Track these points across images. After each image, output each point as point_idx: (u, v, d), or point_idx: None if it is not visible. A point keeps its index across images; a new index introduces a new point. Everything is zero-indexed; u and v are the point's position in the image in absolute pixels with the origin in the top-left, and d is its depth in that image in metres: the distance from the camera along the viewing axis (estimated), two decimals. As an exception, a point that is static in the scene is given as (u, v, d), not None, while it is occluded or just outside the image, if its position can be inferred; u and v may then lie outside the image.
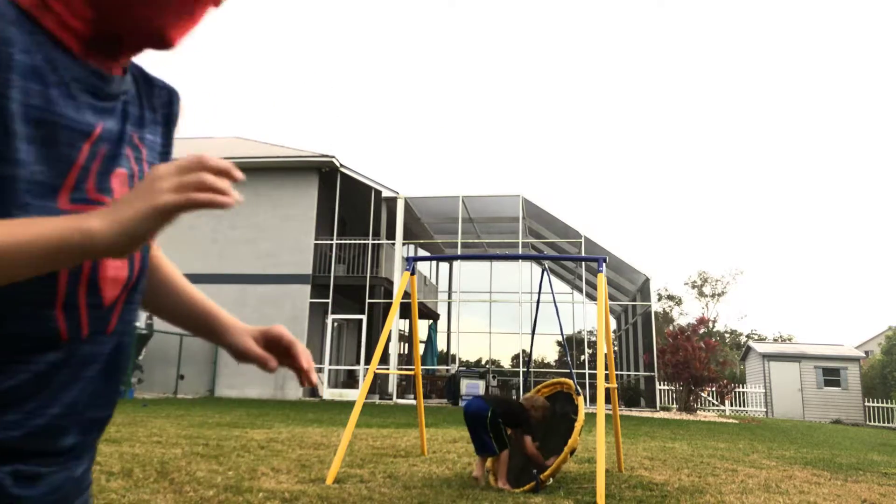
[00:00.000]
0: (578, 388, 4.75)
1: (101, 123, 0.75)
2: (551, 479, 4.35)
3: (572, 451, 4.35)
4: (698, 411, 17.89)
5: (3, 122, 0.64)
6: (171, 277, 0.97)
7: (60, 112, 0.69)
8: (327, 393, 16.29)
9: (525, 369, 17.52)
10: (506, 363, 40.03)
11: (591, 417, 8.81)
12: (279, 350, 0.93)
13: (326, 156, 17.08)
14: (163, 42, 0.78)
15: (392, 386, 16.65)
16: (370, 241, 17.50)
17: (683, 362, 16.84)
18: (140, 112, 0.83)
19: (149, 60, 0.91)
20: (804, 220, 76.49)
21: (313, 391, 16.45)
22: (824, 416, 22.48)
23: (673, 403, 19.33)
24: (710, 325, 42.97)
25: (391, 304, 13.00)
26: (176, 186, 0.62)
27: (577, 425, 4.36)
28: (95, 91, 0.75)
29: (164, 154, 0.88)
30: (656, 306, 31.00)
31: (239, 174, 0.66)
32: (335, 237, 17.37)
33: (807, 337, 56.45)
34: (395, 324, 17.34)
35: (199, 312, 0.96)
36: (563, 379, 5.08)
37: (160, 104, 0.88)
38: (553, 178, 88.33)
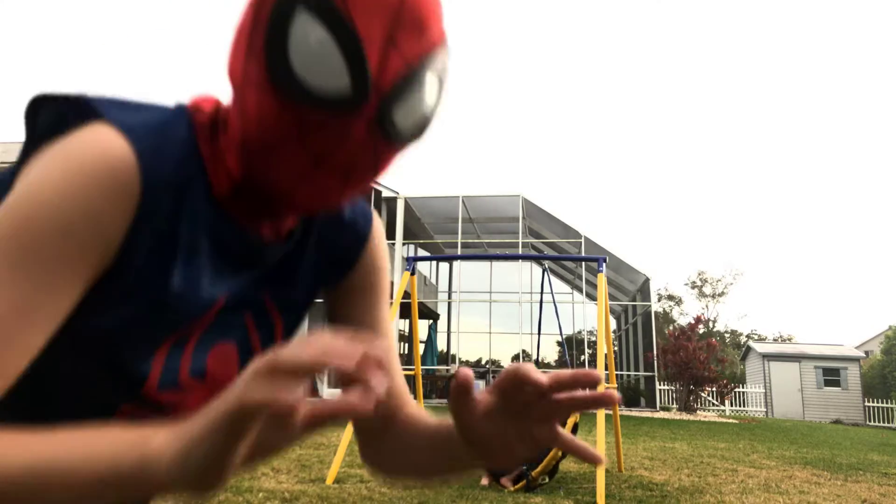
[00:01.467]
0: None
1: (226, 293, 0.65)
2: (546, 479, 4.34)
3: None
4: (698, 411, 17.88)
5: (139, 286, 0.58)
6: (421, 431, 0.71)
7: (176, 277, 0.60)
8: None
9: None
10: (506, 363, 39.97)
11: (591, 417, 8.81)
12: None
13: (326, 156, 17.07)
14: (293, 207, 0.63)
15: (392, 386, 16.64)
16: (370, 241, 17.49)
17: (685, 362, 16.83)
18: (291, 267, 0.70)
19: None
20: (804, 221, 76.53)
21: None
22: (824, 416, 22.47)
23: (673, 403, 19.32)
24: (710, 324, 42.95)
25: (391, 304, 12.95)
26: (260, 374, 0.43)
27: (570, 420, 4.33)
28: (238, 257, 0.65)
29: (301, 307, 0.73)
30: (656, 306, 31.00)
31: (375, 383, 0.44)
32: (335, 237, 17.38)
33: (807, 337, 56.50)
34: (395, 324, 17.33)
35: (432, 439, 0.68)
36: None
37: (335, 248, 0.74)
38: (553, 178, 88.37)
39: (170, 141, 0.59)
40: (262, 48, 0.55)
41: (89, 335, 0.58)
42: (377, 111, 0.55)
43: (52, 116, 0.59)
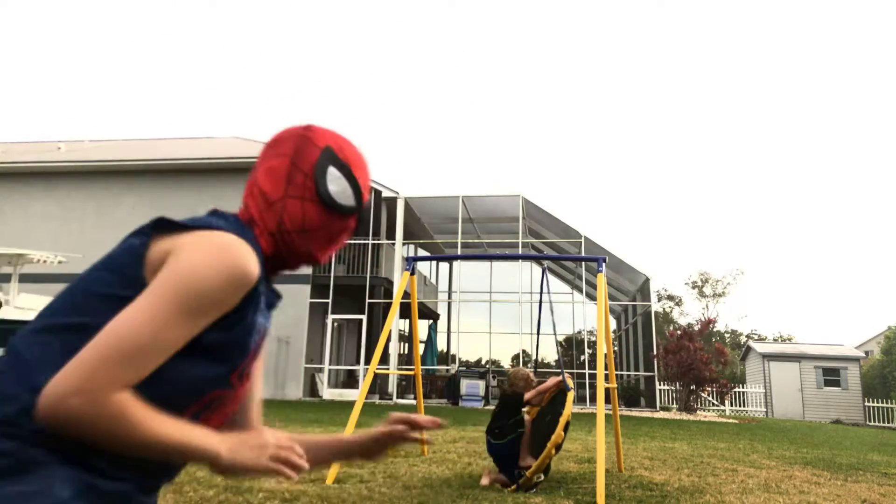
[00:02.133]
0: (568, 384, 4.73)
1: (265, 325, 1.08)
2: (542, 477, 4.33)
3: (557, 447, 4.32)
4: (698, 411, 17.88)
5: (245, 330, 0.99)
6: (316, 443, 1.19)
7: (258, 320, 1.03)
8: (327, 393, 16.29)
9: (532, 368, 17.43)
10: (506, 363, 39.99)
11: (591, 417, 8.81)
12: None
13: (326, 156, 17.05)
14: (313, 262, 1.15)
15: (392, 386, 16.65)
16: (370, 241, 17.50)
17: (687, 363, 16.81)
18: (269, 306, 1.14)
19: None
20: (804, 221, 76.53)
21: (313, 390, 16.45)
22: (824, 416, 22.47)
23: (673, 403, 19.31)
24: (710, 325, 42.85)
25: (391, 304, 12.99)
26: (275, 457, 0.97)
27: (562, 420, 4.32)
28: (269, 302, 1.10)
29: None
30: (656, 306, 31.00)
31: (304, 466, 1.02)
32: (335, 237, 17.36)
33: (807, 337, 56.45)
34: (395, 324, 17.34)
35: (329, 446, 1.20)
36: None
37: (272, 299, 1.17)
38: (553, 178, 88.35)
39: (251, 240, 1.04)
40: (306, 180, 1.08)
41: (212, 345, 0.96)
42: (358, 216, 1.15)
43: (170, 226, 0.99)
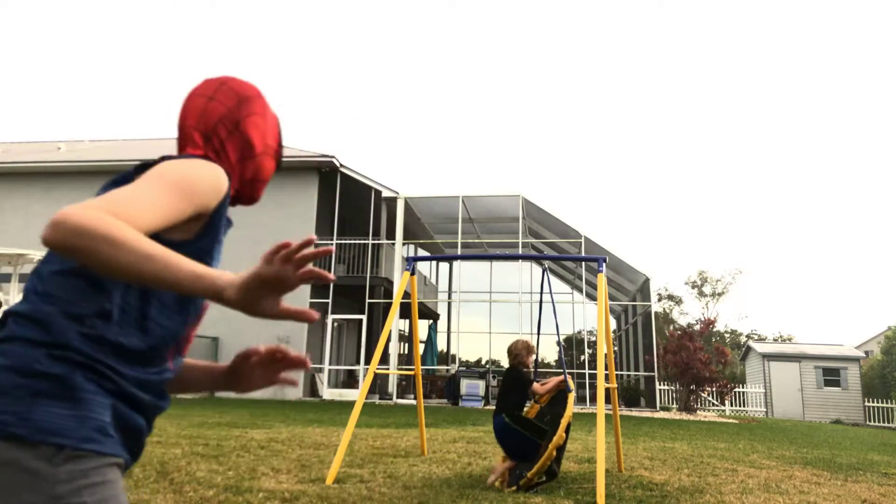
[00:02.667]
0: (569, 385, 4.73)
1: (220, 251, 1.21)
2: (543, 478, 4.33)
3: (559, 448, 4.32)
4: (698, 411, 17.88)
5: (217, 234, 1.13)
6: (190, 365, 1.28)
7: (222, 237, 1.17)
8: (327, 393, 16.28)
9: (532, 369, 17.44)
10: (506, 363, 40.02)
11: (591, 417, 8.82)
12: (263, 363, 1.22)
13: (326, 156, 17.08)
14: (254, 202, 1.33)
15: (392, 386, 16.65)
16: (370, 241, 17.50)
17: (686, 363, 16.81)
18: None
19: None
20: (804, 220, 76.51)
21: (313, 390, 16.45)
22: (824, 416, 22.47)
23: (673, 403, 19.32)
24: (711, 325, 42.88)
25: (391, 304, 13.00)
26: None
27: (563, 421, 4.32)
28: (225, 229, 1.20)
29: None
30: (656, 306, 30.99)
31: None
32: (335, 237, 17.37)
33: (807, 337, 56.45)
34: (395, 324, 17.33)
35: (202, 372, 1.27)
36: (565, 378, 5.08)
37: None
38: (553, 178, 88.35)
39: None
40: (272, 143, 1.30)
41: (203, 250, 1.10)
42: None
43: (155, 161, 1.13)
